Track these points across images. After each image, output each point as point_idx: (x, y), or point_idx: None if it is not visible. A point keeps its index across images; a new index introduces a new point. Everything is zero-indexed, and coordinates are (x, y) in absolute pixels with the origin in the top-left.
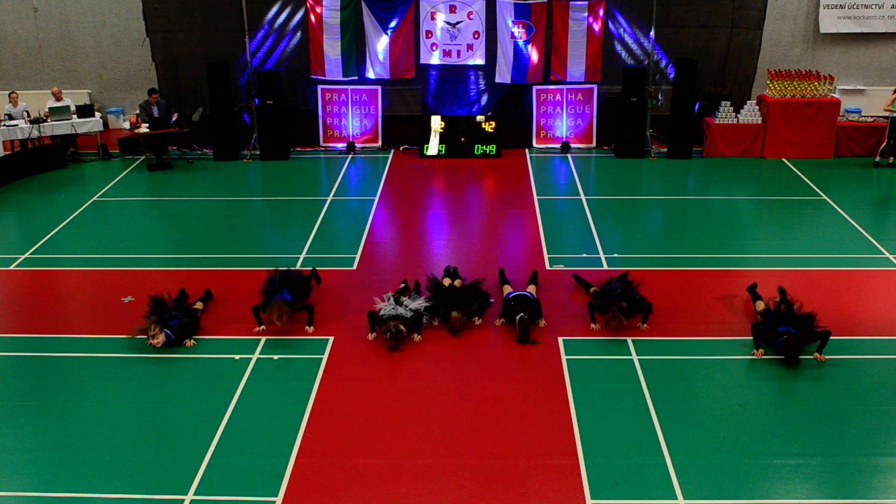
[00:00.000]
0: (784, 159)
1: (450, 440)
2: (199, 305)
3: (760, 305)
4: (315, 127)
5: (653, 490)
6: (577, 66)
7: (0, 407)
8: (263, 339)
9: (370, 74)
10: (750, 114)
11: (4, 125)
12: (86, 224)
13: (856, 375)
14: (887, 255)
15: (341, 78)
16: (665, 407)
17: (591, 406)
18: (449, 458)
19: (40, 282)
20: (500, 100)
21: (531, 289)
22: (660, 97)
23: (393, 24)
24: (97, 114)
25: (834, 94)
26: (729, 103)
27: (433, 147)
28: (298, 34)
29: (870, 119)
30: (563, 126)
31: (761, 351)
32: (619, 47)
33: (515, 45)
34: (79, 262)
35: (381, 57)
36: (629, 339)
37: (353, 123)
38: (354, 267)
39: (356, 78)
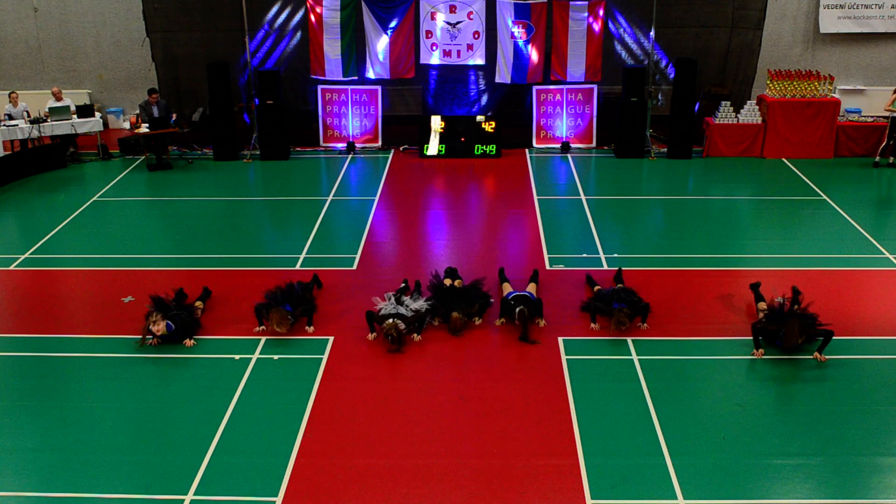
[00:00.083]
0: (784, 159)
1: (450, 440)
2: (199, 305)
3: (763, 305)
4: (315, 127)
5: (653, 490)
6: (577, 66)
7: (0, 407)
8: (263, 339)
9: (370, 74)
10: (750, 114)
11: (4, 125)
12: (86, 224)
13: (856, 375)
14: (887, 255)
15: (341, 78)
16: (665, 407)
17: (591, 406)
18: (449, 458)
19: (40, 282)
20: (500, 100)
21: (531, 288)
22: (660, 97)
23: (393, 24)
24: (97, 114)
25: (834, 94)
26: (729, 103)
27: (433, 147)
28: (298, 34)
29: (870, 119)
30: (563, 126)
31: (761, 351)
32: (619, 47)
33: (515, 45)
34: (79, 262)
35: (381, 57)
36: (629, 339)
37: (353, 123)
38: (354, 267)
39: (356, 78)
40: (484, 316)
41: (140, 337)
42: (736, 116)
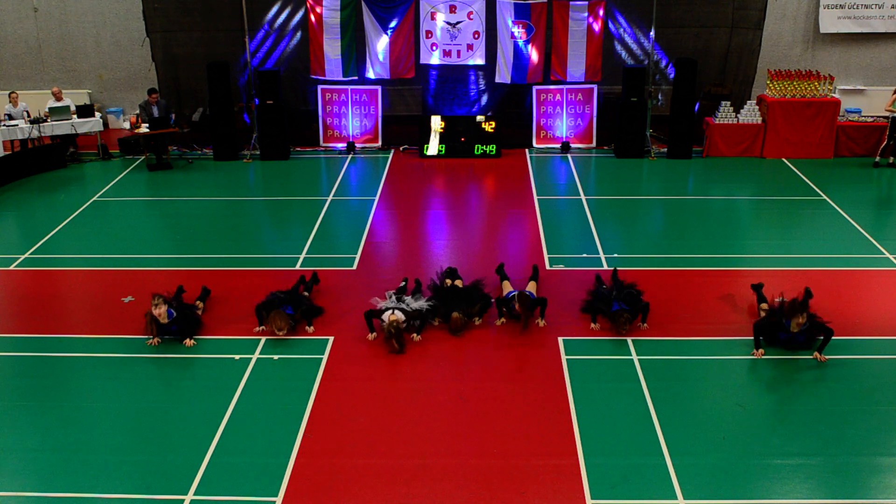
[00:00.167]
0: (784, 159)
1: (450, 440)
2: (199, 304)
3: (764, 306)
4: (315, 127)
5: (653, 490)
6: (577, 66)
7: (0, 407)
8: (263, 339)
9: (370, 74)
10: (750, 114)
11: (4, 125)
12: (86, 224)
13: (856, 375)
14: (887, 255)
15: (341, 78)
16: (665, 407)
17: (591, 406)
18: (449, 458)
19: (40, 282)
20: (500, 100)
21: (531, 286)
22: (660, 97)
23: (393, 24)
24: (97, 114)
25: (834, 94)
26: (729, 103)
27: (433, 147)
28: (298, 34)
29: (870, 119)
30: (563, 126)
31: (761, 351)
32: (619, 47)
33: (515, 45)
34: (79, 262)
35: (381, 57)
36: (629, 339)
37: (353, 123)
38: (354, 267)
39: (356, 78)
40: (484, 316)
41: (145, 332)
42: (736, 116)
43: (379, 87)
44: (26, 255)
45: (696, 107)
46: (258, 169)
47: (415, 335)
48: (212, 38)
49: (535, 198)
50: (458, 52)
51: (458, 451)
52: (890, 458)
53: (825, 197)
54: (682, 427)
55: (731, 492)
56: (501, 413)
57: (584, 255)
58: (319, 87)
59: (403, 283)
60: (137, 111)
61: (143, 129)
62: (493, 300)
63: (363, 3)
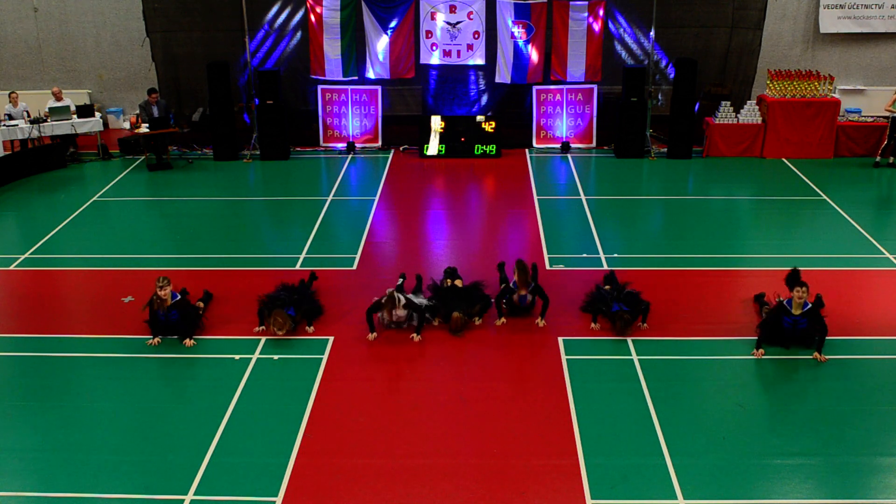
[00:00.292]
0: (784, 159)
1: (450, 440)
2: (200, 305)
3: (767, 308)
4: (315, 127)
5: (653, 490)
6: (577, 66)
7: (0, 407)
8: (263, 339)
9: (370, 74)
10: (750, 114)
11: (4, 125)
12: (86, 224)
13: (856, 375)
14: (887, 255)
15: (341, 78)
16: (665, 407)
17: (591, 406)
18: (449, 458)
19: (40, 282)
20: (500, 100)
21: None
22: (660, 97)
23: (393, 24)
24: (97, 114)
25: (834, 94)
26: (729, 103)
27: (433, 147)
28: (298, 34)
29: (870, 119)
30: (563, 126)
31: (761, 351)
32: (619, 47)
33: (515, 45)
34: (79, 262)
35: (381, 57)
36: (629, 339)
37: (353, 123)
38: (354, 267)
39: (356, 78)
40: (484, 316)
41: (146, 315)
42: (736, 116)
43: (379, 87)
44: (26, 255)
45: (696, 107)
46: (258, 169)
47: (415, 335)
48: (212, 38)
49: (535, 198)
50: (458, 52)
51: (458, 451)
52: (890, 458)
53: (825, 197)
54: (682, 427)
55: (731, 492)
56: (501, 413)
57: (584, 255)
58: (319, 87)
59: (401, 279)
60: (137, 111)
61: (143, 129)
62: (492, 300)
63: (363, 3)
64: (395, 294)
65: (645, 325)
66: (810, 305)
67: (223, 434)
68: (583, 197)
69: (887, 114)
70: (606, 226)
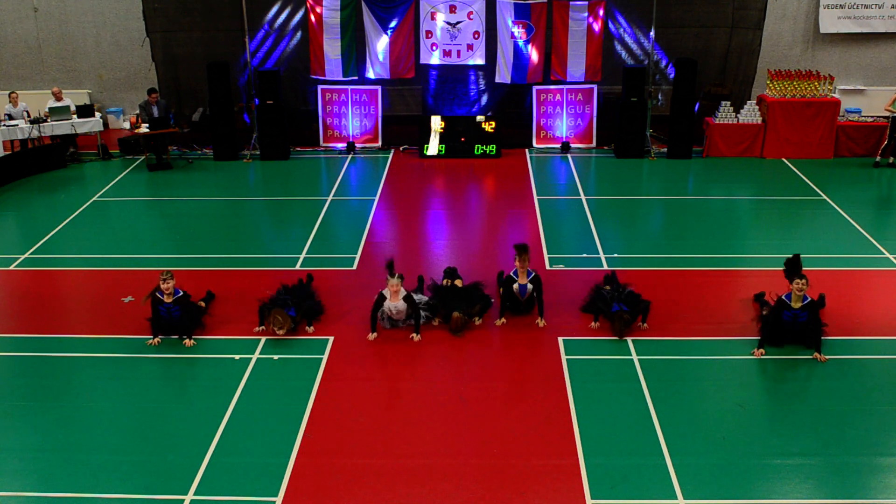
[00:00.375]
0: (784, 159)
1: (450, 440)
2: (201, 305)
3: (767, 310)
4: (315, 127)
5: (653, 490)
6: (577, 66)
7: (0, 407)
8: (263, 339)
9: (370, 74)
10: (750, 114)
11: (4, 125)
12: (86, 224)
13: (856, 375)
14: (887, 255)
15: (341, 78)
16: (665, 407)
17: (591, 406)
18: (449, 458)
19: (40, 282)
20: (500, 100)
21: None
22: (660, 97)
23: (393, 24)
24: (97, 114)
25: (834, 94)
26: (729, 103)
27: (433, 147)
28: (298, 34)
29: (870, 119)
30: (563, 126)
31: (762, 351)
32: (619, 47)
33: (515, 45)
34: (79, 262)
35: (381, 57)
36: (629, 339)
37: (353, 123)
38: (354, 267)
39: (356, 78)
40: (484, 316)
41: (146, 306)
42: (736, 116)
43: (379, 87)
44: (26, 255)
45: (696, 107)
46: (258, 169)
47: (415, 335)
48: (212, 38)
49: (535, 198)
50: (458, 52)
51: (457, 451)
52: (890, 458)
53: (825, 197)
54: (682, 427)
55: (731, 492)
56: (501, 413)
57: (584, 255)
58: (319, 87)
59: (400, 279)
60: (137, 111)
61: (143, 129)
62: (492, 300)
63: (363, 3)
64: (396, 281)
65: (645, 325)
66: (810, 299)
67: (223, 434)
68: (583, 197)
69: (887, 114)
70: (606, 226)
